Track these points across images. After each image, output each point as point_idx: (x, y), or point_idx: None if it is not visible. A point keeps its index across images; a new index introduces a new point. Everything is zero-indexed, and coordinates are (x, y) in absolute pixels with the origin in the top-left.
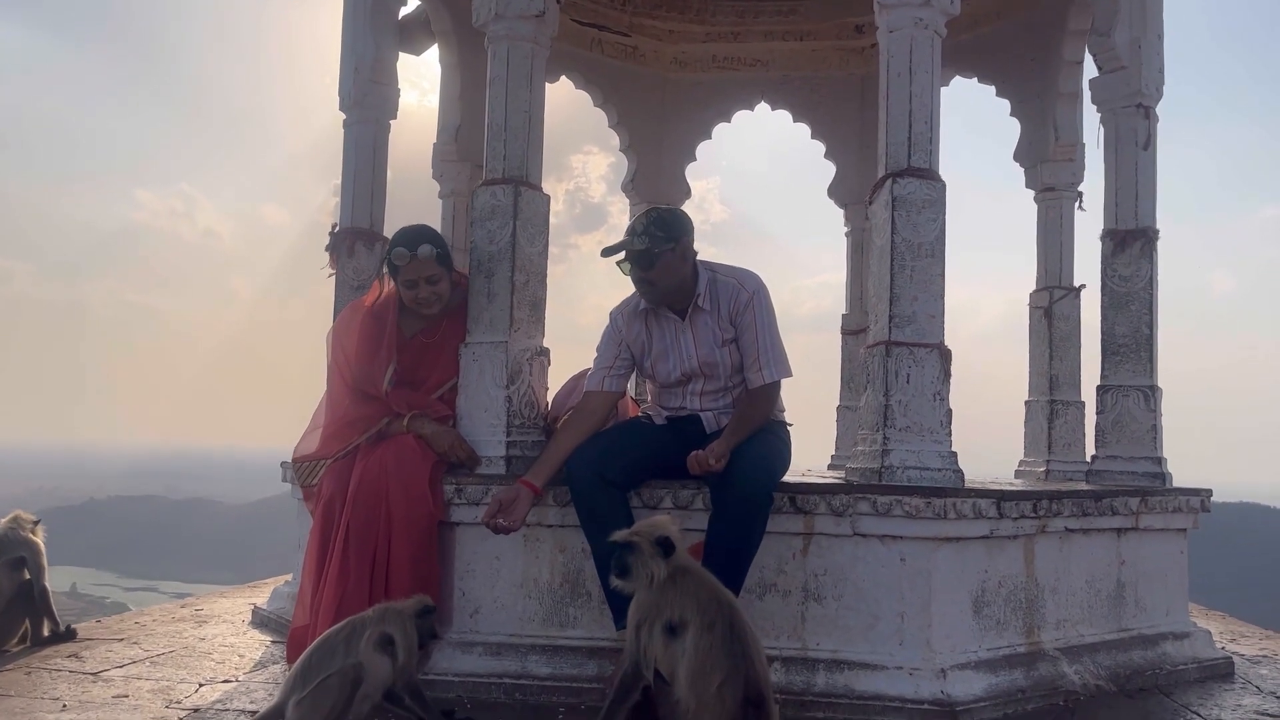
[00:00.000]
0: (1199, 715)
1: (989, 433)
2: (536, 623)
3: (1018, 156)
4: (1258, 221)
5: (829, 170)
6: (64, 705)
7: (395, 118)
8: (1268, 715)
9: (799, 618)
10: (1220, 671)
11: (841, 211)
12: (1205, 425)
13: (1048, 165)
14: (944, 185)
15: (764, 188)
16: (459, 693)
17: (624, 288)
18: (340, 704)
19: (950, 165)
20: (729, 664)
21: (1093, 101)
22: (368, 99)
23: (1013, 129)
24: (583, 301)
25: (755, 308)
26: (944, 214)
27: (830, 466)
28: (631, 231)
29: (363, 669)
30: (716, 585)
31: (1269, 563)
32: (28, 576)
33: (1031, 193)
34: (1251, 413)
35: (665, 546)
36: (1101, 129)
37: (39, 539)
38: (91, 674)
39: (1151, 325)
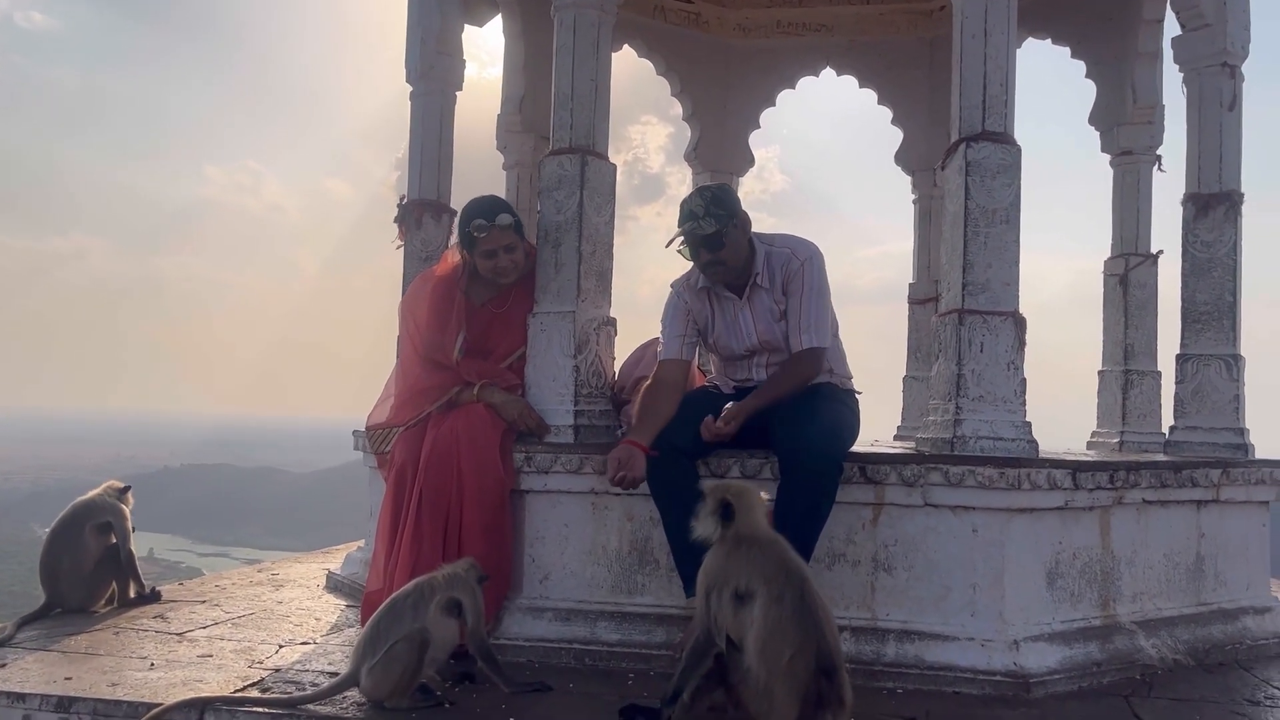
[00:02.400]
0: None
1: (1055, 403)
2: (605, 589)
3: (1093, 120)
4: None
5: (892, 138)
6: (151, 664)
7: (461, 89)
8: None
9: (868, 588)
10: None
11: (909, 179)
12: None
13: (1125, 128)
14: (1019, 150)
15: (825, 157)
16: (529, 657)
17: (683, 261)
18: (411, 667)
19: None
20: (799, 636)
21: (1175, 61)
22: (434, 70)
23: (1082, 91)
24: (641, 273)
25: (805, 274)
26: (1019, 179)
27: (896, 437)
28: (692, 216)
29: (428, 632)
30: (786, 555)
31: None
32: (114, 540)
33: (1107, 157)
34: None
35: (724, 511)
36: (1184, 89)
37: (126, 506)
38: (177, 634)
39: (1235, 292)
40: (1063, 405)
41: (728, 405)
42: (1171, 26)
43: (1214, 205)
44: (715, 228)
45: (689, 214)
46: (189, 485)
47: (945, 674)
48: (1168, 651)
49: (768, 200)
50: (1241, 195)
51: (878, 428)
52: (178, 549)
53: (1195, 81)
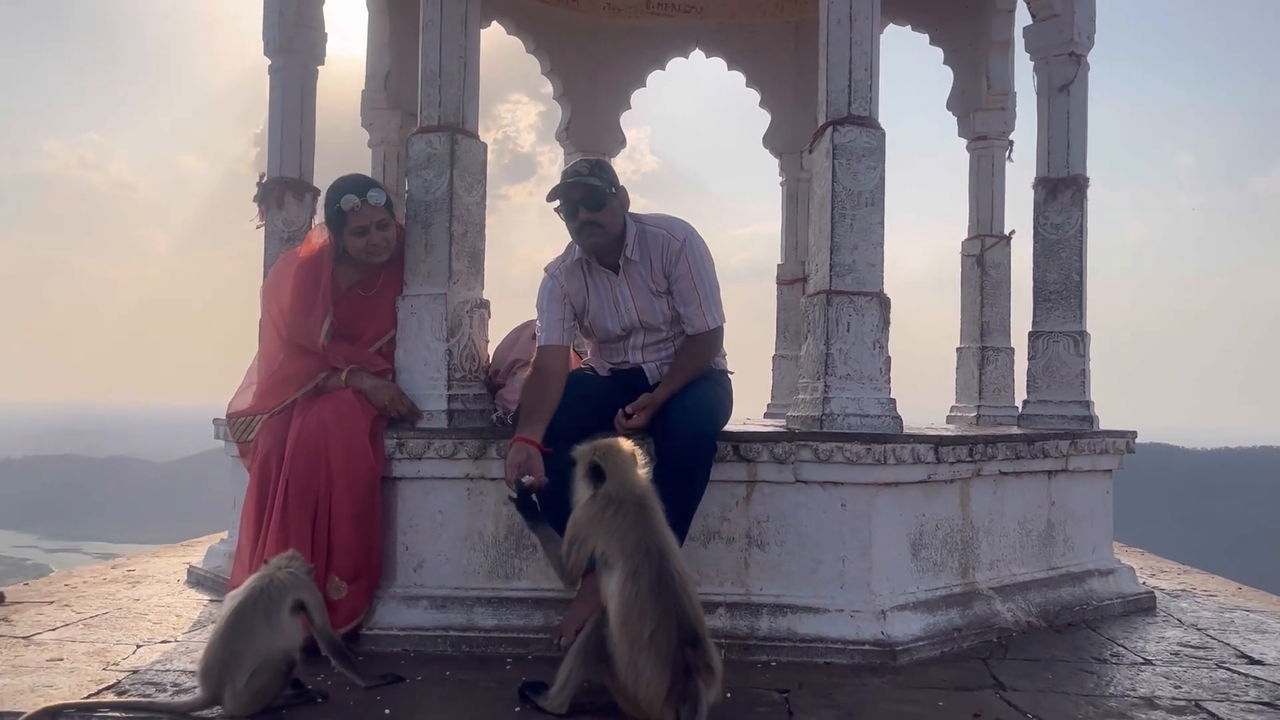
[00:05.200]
0: (1124, 648)
1: (914, 379)
2: (482, 575)
3: (950, 105)
4: (1173, 172)
5: (762, 120)
6: None
7: (323, 63)
8: (1189, 646)
9: (743, 564)
10: (1143, 605)
11: (776, 161)
12: (1121, 369)
13: (980, 114)
14: (884, 134)
15: (696, 138)
16: (404, 646)
17: (555, 239)
18: (278, 686)
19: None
20: (658, 611)
21: (1026, 50)
22: (294, 43)
23: (941, 77)
24: (513, 253)
25: (688, 255)
26: (884, 162)
27: (766, 415)
28: (577, 173)
29: (294, 652)
30: (650, 525)
31: (1179, 500)
32: None
33: (964, 141)
34: (1162, 358)
35: (594, 473)
36: (1035, 77)
37: None
38: (23, 638)
39: (1081, 272)
40: (923, 381)
41: (642, 395)
42: (1024, 16)
43: (1062, 189)
44: (598, 183)
45: (574, 171)
46: (33, 478)
47: (817, 645)
48: (1021, 615)
49: (640, 181)
50: (1087, 179)
51: (748, 406)
52: (23, 545)
53: (1044, 70)
